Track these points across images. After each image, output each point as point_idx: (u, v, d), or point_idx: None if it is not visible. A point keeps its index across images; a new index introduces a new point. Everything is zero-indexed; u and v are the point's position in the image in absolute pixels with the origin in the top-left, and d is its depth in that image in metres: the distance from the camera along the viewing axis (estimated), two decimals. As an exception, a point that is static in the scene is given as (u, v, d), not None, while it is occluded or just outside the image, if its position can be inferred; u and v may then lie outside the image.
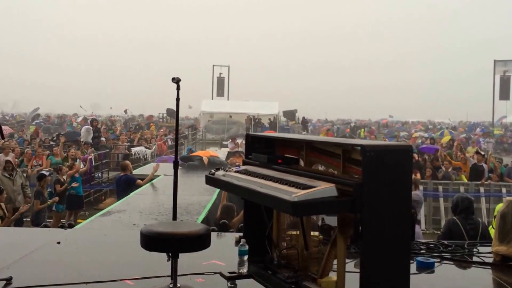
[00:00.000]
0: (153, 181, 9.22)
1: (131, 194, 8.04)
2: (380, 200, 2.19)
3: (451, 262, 3.74)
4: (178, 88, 3.75)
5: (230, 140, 18.05)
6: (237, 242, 3.32)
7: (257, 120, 28.87)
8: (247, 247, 2.84)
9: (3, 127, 3.12)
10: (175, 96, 3.80)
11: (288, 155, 2.86)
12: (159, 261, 3.09)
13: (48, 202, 8.68)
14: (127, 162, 9.74)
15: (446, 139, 20.79)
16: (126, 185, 8.56)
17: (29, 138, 16.64)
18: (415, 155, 13.95)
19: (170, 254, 2.85)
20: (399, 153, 2.29)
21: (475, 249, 3.96)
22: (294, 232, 2.84)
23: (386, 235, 2.21)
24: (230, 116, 29.84)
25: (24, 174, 11.12)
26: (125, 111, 38.68)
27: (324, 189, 2.23)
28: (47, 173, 9.23)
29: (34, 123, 28.07)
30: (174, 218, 3.96)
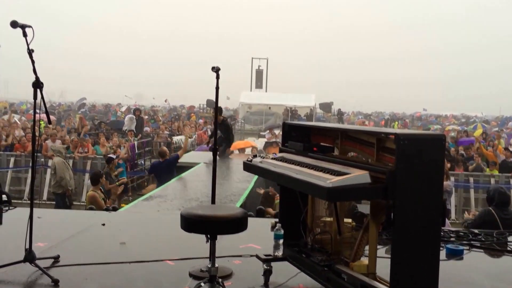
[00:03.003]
0: (193, 168, 9.48)
1: (172, 180, 8.30)
2: (412, 188, 2.24)
3: (481, 250, 3.77)
4: (217, 77, 3.87)
5: (268, 131, 18.16)
6: (273, 227, 3.43)
7: (294, 112, 28.87)
8: (282, 231, 2.95)
9: (50, 116, 3.33)
10: (215, 86, 3.92)
11: (323, 144, 2.93)
12: (198, 242, 3.22)
13: (117, 183, 9.18)
14: (165, 148, 10.08)
15: (478, 132, 20.39)
16: (165, 169, 8.89)
17: (76, 126, 17.34)
18: (452, 149, 13.80)
19: (208, 236, 2.97)
20: (432, 142, 2.32)
21: (503, 238, 3.98)
22: (328, 219, 2.92)
23: (417, 222, 2.26)
24: (269, 108, 29.99)
25: (71, 161, 11.69)
26: (166, 101, 39.44)
27: (358, 175, 2.29)
28: (114, 156, 9.84)
29: (80, 112, 29.10)
30: (213, 202, 4.11)
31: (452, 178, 10.89)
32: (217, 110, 4.33)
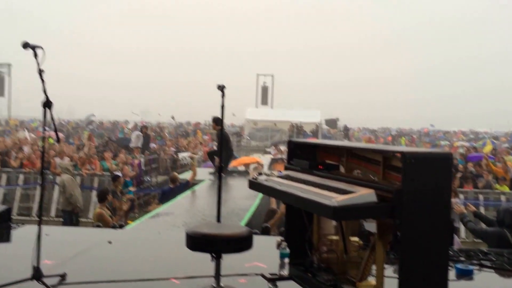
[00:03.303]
0: (198, 185, 9.47)
1: (178, 197, 8.29)
2: (419, 207, 2.22)
3: (491, 270, 3.71)
4: (223, 95, 3.89)
5: (273, 147, 18.17)
6: (279, 245, 3.41)
7: (299, 128, 28.92)
8: (288, 250, 2.93)
9: (58, 133, 3.38)
10: (220, 104, 3.94)
11: (329, 161, 2.92)
12: (204, 261, 3.21)
13: (124, 199, 9.21)
14: (176, 174, 10.08)
15: (488, 148, 20.15)
16: (176, 195, 8.87)
17: (84, 143, 17.50)
18: (461, 166, 13.65)
19: (213, 254, 2.96)
20: (439, 160, 2.31)
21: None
22: (334, 237, 2.89)
23: (425, 241, 2.24)
24: (275, 124, 30.09)
25: (79, 178, 11.73)
26: (172, 117, 39.68)
27: (363, 194, 2.28)
28: (120, 174, 9.88)
29: (88, 128, 29.31)
30: (218, 220, 4.09)
31: (461, 196, 10.74)
32: (223, 130, 4.34)
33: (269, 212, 6.31)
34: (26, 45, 3.00)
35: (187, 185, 9.31)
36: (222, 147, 6.79)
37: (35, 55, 3.02)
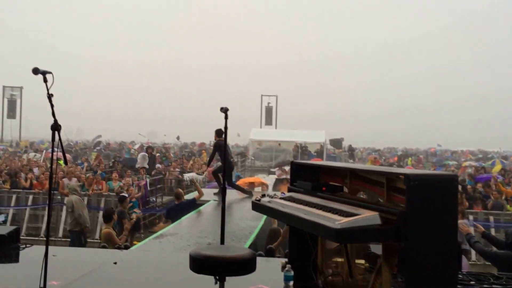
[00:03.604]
0: (203, 206, 9.44)
1: (182, 218, 8.26)
2: (425, 230, 2.20)
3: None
4: (226, 118, 3.92)
5: (278, 168, 18.13)
6: (283, 268, 3.37)
7: (304, 148, 28.91)
8: (292, 272, 2.89)
9: (66, 154, 3.43)
10: (223, 126, 3.97)
11: (332, 183, 2.91)
12: (207, 283, 3.18)
13: (133, 219, 9.27)
14: (180, 190, 10.07)
15: (497, 168, 19.82)
16: (181, 211, 8.85)
17: (92, 164, 17.64)
18: (469, 186, 13.48)
19: (217, 277, 2.94)
20: (444, 182, 2.29)
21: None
22: (339, 259, 2.86)
23: (432, 264, 2.21)
24: (279, 144, 30.11)
25: (86, 198, 11.76)
26: (178, 138, 39.83)
27: (367, 217, 2.26)
28: (126, 195, 9.97)
29: (95, 149, 29.44)
30: (222, 242, 4.07)
31: (471, 217, 10.52)
32: (226, 149, 4.35)
33: (272, 232, 6.26)
34: (36, 71, 3.08)
35: (193, 203, 9.29)
36: (220, 157, 6.78)
37: (45, 80, 3.09)
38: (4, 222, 12.03)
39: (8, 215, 12.64)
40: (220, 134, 9.64)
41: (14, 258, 4.60)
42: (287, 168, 16.43)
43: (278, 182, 13.13)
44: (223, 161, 9.46)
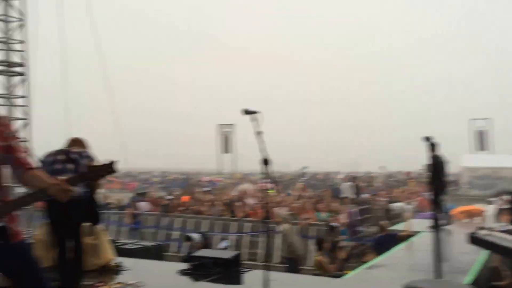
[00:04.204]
0: (415, 237, 9.16)
1: (394, 249, 8.19)
2: None
3: None
4: (433, 148, 3.92)
5: (497, 197, 16.28)
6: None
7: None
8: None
9: (270, 184, 3.87)
10: (431, 155, 3.96)
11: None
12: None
13: (345, 247, 9.85)
14: (385, 222, 10.05)
15: None
16: (387, 243, 8.79)
17: (298, 194, 18.80)
18: None
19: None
20: None
21: None
22: None
23: None
24: (497, 171, 27.02)
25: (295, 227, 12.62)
26: (382, 167, 39.17)
27: None
28: (337, 224, 10.58)
29: (301, 180, 31.12)
30: (438, 276, 4.00)
31: None
32: (440, 177, 4.31)
33: (492, 270, 5.71)
34: (246, 112, 3.62)
35: (395, 237, 9.10)
36: (436, 175, 6.46)
37: (253, 119, 3.59)
38: (227, 247, 13.69)
39: (231, 241, 14.29)
40: (431, 148, 9.21)
41: (236, 280, 5.23)
42: (506, 197, 14.63)
43: (500, 212, 11.84)
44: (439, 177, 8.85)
